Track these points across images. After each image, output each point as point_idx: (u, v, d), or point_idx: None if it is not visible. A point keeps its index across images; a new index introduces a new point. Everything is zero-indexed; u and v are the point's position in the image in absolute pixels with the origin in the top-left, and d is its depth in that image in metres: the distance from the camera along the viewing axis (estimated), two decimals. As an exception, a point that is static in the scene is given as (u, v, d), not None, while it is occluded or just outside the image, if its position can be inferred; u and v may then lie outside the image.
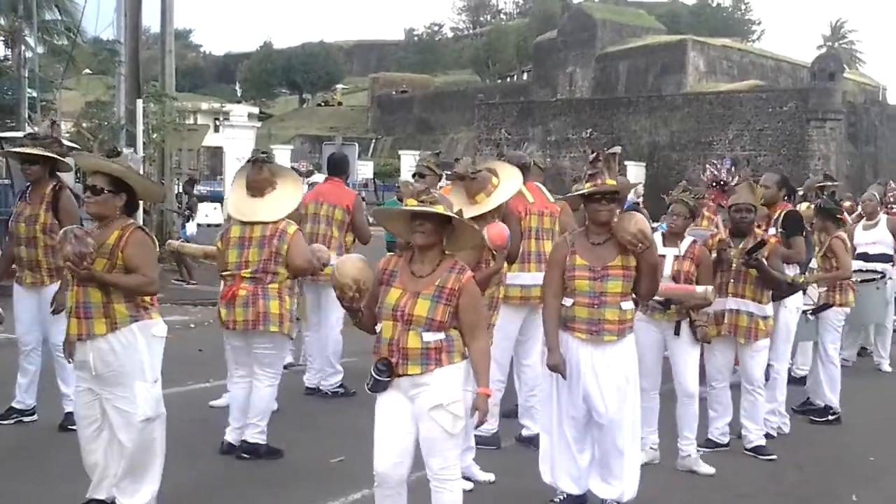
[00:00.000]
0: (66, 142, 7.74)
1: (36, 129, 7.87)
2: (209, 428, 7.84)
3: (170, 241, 12.06)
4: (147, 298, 5.76)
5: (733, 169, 10.87)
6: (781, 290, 8.00)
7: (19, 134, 18.04)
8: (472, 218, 6.54)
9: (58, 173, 7.76)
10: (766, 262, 7.59)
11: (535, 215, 7.96)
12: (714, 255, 7.65)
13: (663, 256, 7.18)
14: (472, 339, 5.15)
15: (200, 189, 42.97)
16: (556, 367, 6.17)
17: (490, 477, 6.84)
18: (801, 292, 8.67)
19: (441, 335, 5.06)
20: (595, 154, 6.30)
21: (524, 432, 7.85)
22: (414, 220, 5.12)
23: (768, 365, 8.14)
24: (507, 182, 6.86)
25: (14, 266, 7.80)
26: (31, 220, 7.59)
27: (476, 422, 5.08)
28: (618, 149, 6.48)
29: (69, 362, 5.94)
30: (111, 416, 5.65)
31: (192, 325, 14.11)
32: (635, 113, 55.57)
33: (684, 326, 7.30)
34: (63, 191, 7.61)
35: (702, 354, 7.70)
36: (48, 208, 7.53)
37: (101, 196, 5.62)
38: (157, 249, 5.93)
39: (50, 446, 7.36)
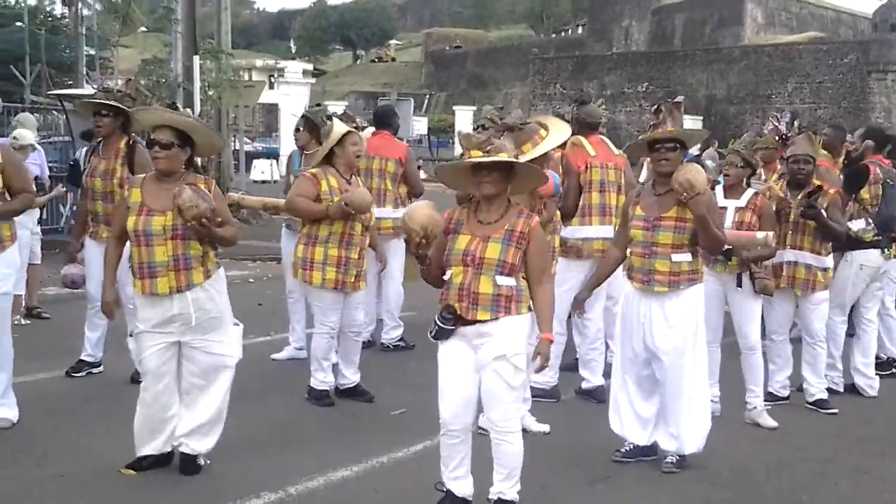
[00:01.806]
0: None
1: (109, 83, 7.91)
2: (272, 380, 7.93)
3: (230, 193, 12.17)
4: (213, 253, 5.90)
5: (795, 123, 10.70)
6: (841, 241, 7.88)
7: (81, 91, 18.24)
8: None
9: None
10: (824, 213, 7.49)
11: (598, 168, 7.94)
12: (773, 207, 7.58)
13: (724, 208, 7.13)
14: (539, 284, 5.16)
15: (256, 146, 43.27)
16: (577, 302, 6.56)
17: (545, 428, 6.86)
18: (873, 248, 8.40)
19: (513, 280, 5.07)
20: (657, 105, 6.28)
21: (584, 385, 7.86)
22: (479, 171, 5.12)
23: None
24: (555, 134, 6.84)
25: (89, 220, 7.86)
26: (107, 174, 7.65)
27: (537, 367, 5.08)
28: (681, 98, 6.43)
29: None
30: (203, 363, 5.82)
31: (251, 280, 14.25)
32: (692, 66, 54.90)
33: (745, 279, 7.25)
34: (136, 144, 7.66)
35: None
36: (123, 162, 7.58)
37: (171, 150, 5.69)
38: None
39: (117, 399, 7.48)
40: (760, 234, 7.02)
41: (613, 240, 6.48)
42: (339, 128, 7.23)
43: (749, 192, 7.29)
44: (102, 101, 7.63)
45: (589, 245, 7.69)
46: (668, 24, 64.27)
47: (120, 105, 7.56)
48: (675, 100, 6.32)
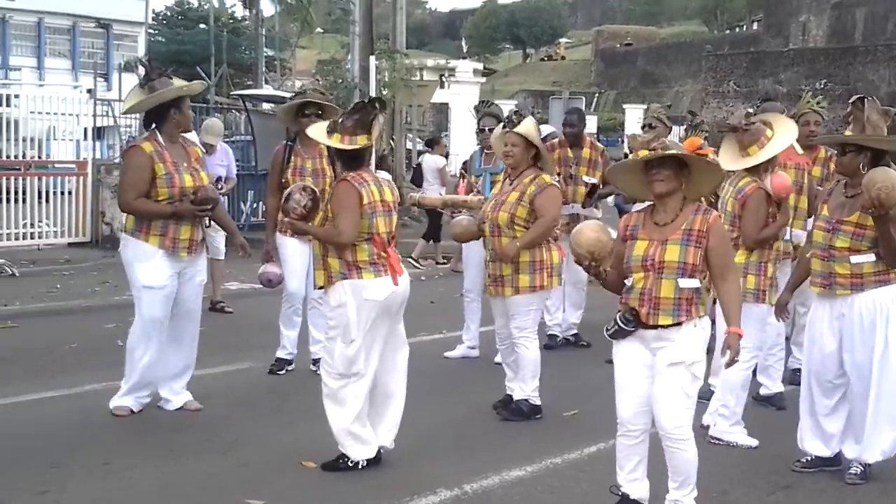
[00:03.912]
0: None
1: (302, 84, 8.11)
2: (443, 377, 8.02)
3: (410, 194, 12.34)
4: (364, 257, 5.86)
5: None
6: None
7: (263, 91, 18.80)
8: (747, 170, 6.63)
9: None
10: None
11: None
12: None
13: None
14: (723, 280, 5.08)
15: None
16: (779, 305, 6.28)
17: (754, 442, 6.67)
18: None
19: (696, 282, 4.99)
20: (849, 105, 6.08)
21: (762, 391, 7.68)
22: (650, 169, 5.07)
23: None
24: (782, 134, 6.69)
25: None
26: (317, 174, 7.86)
27: (727, 360, 4.99)
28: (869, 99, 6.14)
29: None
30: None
31: (423, 278, 14.43)
32: (873, 62, 52.87)
33: None
34: None
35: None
36: (330, 162, 7.59)
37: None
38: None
39: (298, 391, 7.71)
40: None
41: (807, 239, 6.28)
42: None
43: None
44: (313, 101, 7.85)
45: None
46: (847, 19, 62.10)
47: (331, 104, 7.78)
48: (856, 97, 6.08)
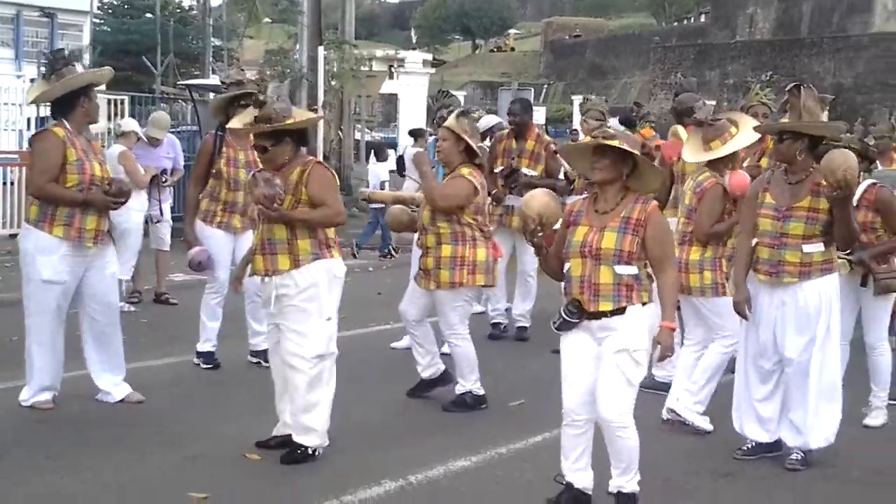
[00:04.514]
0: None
1: (239, 76, 7.98)
2: (391, 368, 8.02)
3: (361, 189, 12.31)
4: (331, 237, 5.97)
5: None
6: None
7: (209, 81, 18.65)
8: (707, 163, 6.76)
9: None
10: None
11: None
12: None
13: None
14: (660, 271, 5.12)
15: (375, 136, 43.59)
16: (739, 304, 6.18)
17: (708, 427, 6.77)
18: None
19: (633, 269, 5.03)
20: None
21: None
22: (593, 154, 5.12)
23: None
24: (745, 132, 6.77)
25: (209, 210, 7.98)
26: (250, 165, 7.75)
27: (658, 357, 5.04)
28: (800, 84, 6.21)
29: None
30: (286, 349, 5.89)
31: (371, 269, 14.41)
32: (818, 55, 53.45)
33: (869, 278, 7.05)
34: None
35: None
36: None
37: (268, 153, 5.89)
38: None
39: (239, 382, 7.67)
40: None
41: (743, 229, 6.31)
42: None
43: (861, 186, 6.92)
44: (249, 91, 7.72)
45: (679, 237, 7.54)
46: (794, 12, 62.68)
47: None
48: (792, 84, 6.17)
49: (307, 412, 5.90)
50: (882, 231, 6.91)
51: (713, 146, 6.76)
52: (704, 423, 6.77)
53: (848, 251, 6.69)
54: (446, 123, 7.10)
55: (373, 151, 19.95)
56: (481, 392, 7.22)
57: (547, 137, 9.85)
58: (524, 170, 9.36)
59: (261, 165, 7.27)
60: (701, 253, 6.77)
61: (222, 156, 7.86)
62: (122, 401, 6.95)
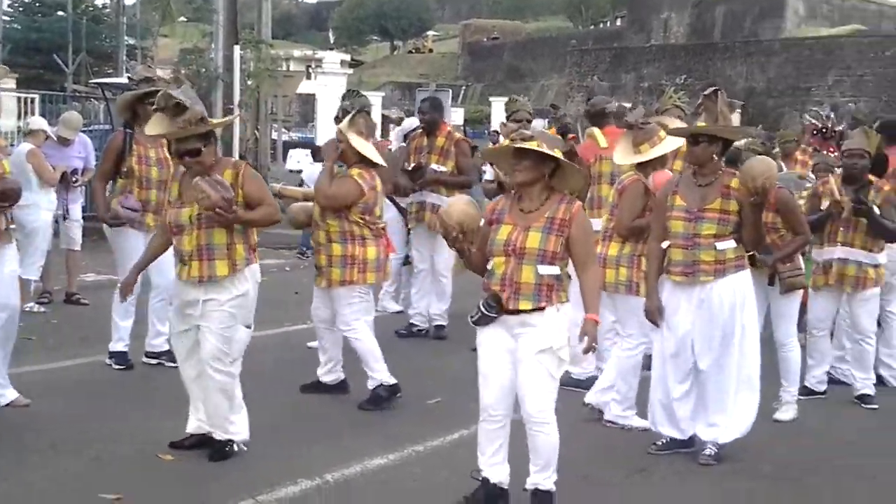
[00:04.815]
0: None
1: (149, 73, 7.85)
2: (307, 367, 7.95)
3: (272, 184, 12.20)
4: (255, 241, 5.96)
5: (832, 115, 10.66)
6: (893, 238, 7.79)
7: (122, 80, 18.33)
8: (636, 166, 6.86)
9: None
10: (876, 210, 7.39)
11: (609, 160, 8.00)
12: (825, 206, 7.50)
13: None
14: (584, 269, 5.15)
15: (292, 135, 43.37)
16: (650, 312, 6.26)
17: (646, 424, 6.75)
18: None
19: (556, 269, 5.05)
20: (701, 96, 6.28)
21: (597, 373, 7.77)
22: (513, 157, 5.13)
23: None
24: (674, 136, 6.85)
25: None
26: (163, 163, 7.67)
27: (585, 347, 5.05)
28: (716, 89, 6.33)
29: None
30: (205, 348, 5.83)
31: (288, 269, 14.30)
32: (731, 59, 54.38)
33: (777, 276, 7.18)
34: None
35: (804, 302, 7.61)
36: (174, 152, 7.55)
37: (202, 154, 5.77)
38: None
39: (150, 382, 7.55)
40: None
41: (653, 234, 6.38)
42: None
43: None
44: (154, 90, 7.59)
45: (597, 237, 7.58)
46: (707, 16, 63.71)
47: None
48: (709, 90, 6.27)
49: (233, 411, 5.93)
50: (784, 231, 7.03)
51: (642, 149, 6.86)
52: (641, 422, 6.84)
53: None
54: (339, 126, 7.19)
55: (310, 151, 19.84)
56: (392, 381, 7.23)
57: (457, 134, 9.85)
58: (434, 166, 9.39)
59: (171, 163, 7.22)
60: (619, 249, 6.86)
61: (133, 154, 7.74)
62: (8, 405, 6.74)
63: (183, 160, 5.81)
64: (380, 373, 7.19)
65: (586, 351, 5.12)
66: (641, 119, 6.94)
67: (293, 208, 7.65)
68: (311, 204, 7.37)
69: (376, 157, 7.21)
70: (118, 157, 7.75)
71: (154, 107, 5.86)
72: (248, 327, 5.98)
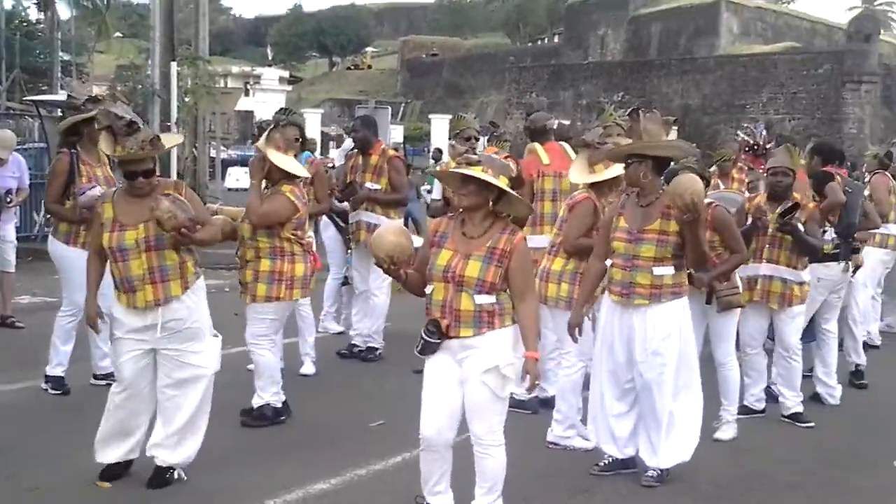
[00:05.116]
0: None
1: (86, 92, 7.75)
2: (248, 391, 7.86)
3: (209, 204, 12.09)
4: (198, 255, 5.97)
5: (765, 133, 10.82)
6: (817, 256, 7.89)
7: (57, 97, 18.10)
8: (590, 185, 6.91)
9: None
10: (802, 228, 7.49)
11: (551, 177, 8.05)
12: (750, 221, 7.60)
13: None
14: (522, 301, 5.12)
15: (231, 153, 43.05)
16: (573, 325, 6.32)
17: (590, 445, 6.78)
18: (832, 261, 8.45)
19: (493, 298, 5.03)
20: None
21: (540, 394, 7.81)
22: (459, 181, 5.12)
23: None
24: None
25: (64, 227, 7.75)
26: (110, 182, 7.56)
27: (528, 385, 5.05)
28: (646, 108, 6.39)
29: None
30: (177, 373, 5.79)
31: (227, 290, 14.15)
32: (667, 76, 55.03)
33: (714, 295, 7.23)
34: None
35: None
36: (114, 168, 7.46)
37: (151, 176, 5.74)
38: None
39: (86, 408, 7.40)
40: None
41: (595, 252, 6.42)
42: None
43: None
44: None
45: (539, 254, 7.54)
46: (644, 34, 64.42)
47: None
48: (632, 109, 6.34)
49: (192, 433, 5.89)
50: (721, 249, 7.09)
51: (597, 169, 6.92)
52: (584, 443, 6.87)
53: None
54: (257, 143, 7.21)
55: (249, 169, 19.69)
56: (279, 404, 7.25)
57: (391, 151, 9.75)
58: (368, 184, 9.33)
59: (115, 181, 7.13)
60: (563, 265, 6.91)
61: (82, 175, 7.64)
62: None
63: (136, 181, 5.73)
64: (270, 394, 7.22)
65: (529, 389, 5.12)
66: (598, 139, 6.97)
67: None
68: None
69: (298, 170, 7.23)
70: (68, 179, 7.64)
71: (100, 126, 5.81)
72: (215, 335, 5.99)
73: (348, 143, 11.59)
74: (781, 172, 7.58)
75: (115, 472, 5.90)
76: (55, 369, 7.83)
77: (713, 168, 10.28)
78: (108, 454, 5.90)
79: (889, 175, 10.74)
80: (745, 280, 7.59)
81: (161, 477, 5.84)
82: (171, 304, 5.73)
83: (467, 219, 5.18)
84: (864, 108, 48.44)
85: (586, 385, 6.92)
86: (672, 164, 6.69)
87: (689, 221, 5.94)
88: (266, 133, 7.16)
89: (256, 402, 7.20)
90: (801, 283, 7.67)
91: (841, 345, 9.09)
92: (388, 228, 5.40)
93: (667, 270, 6.10)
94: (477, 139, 9.27)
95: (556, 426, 6.96)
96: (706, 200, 7.12)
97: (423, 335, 5.07)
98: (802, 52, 53.79)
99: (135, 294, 5.70)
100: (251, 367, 8.72)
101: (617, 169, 6.85)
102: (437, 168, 10.17)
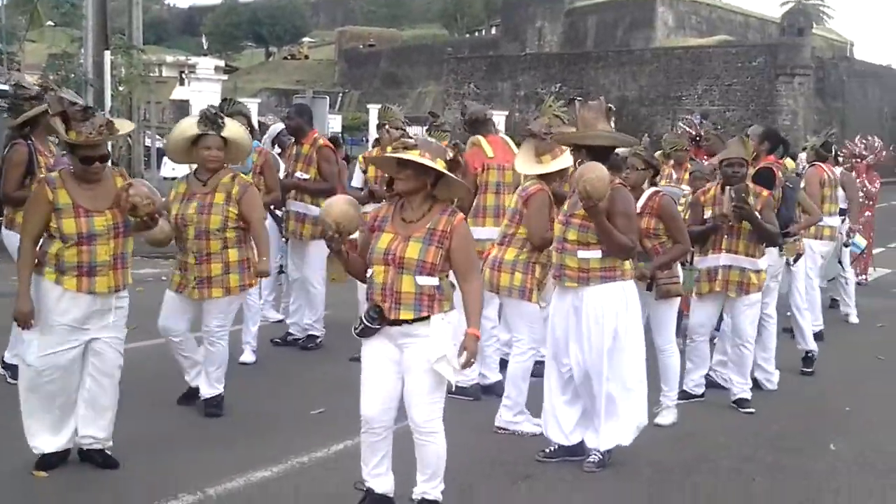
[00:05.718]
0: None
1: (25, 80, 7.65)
2: (178, 381, 7.78)
3: (164, 200, 11.93)
4: None
5: (702, 122, 10.92)
6: (774, 242, 7.99)
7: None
8: (538, 176, 6.90)
9: None
10: (758, 215, 7.55)
11: (495, 170, 8.03)
12: (711, 221, 7.64)
13: None
14: (465, 281, 5.12)
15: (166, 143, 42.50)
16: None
17: (538, 429, 6.76)
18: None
19: (435, 280, 5.02)
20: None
21: (481, 381, 7.82)
22: (396, 166, 5.10)
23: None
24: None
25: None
26: None
27: (463, 362, 5.01)
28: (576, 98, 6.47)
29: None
30: (110, 360, 5.83)
31: (164, 279, 13.97)
32: (604, 68, 55.48)
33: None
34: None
35: (682, 309, 7.74)
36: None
37: (105, 163, 5.74)
38: None
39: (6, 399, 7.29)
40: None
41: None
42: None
43: (646, 194, 7.19)
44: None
45: (481, 245, 7.36)
46: (580, 26, 64.81)
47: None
48: (571, 98, 6.38)
49: (110, 413, 5.91)
50: (665, 238, 7.14)
51: (544, 160, 6.93)
52: (532, 427, 6.88)
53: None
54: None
55: None
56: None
57: (322, 140, 9.61)
58: (298, 174, 9.25)
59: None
60: (516, 254, 6.92)
61: (41, 165, 7.51)
62: None
63: (92, 166, 5.65)
64: (223, 385, 7.16)
65: (465, 366, 5.08)
66: (544, 130, 6.96)
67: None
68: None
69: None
70: (26, 169, 7.51)
71: (53, 112, 5.72)
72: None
73: (273, 128, 11.45)
74: (737, 163, 7.63)
75: (51, 461, 5.80)
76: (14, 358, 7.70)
77: (660, 154, 10.28)
78: (44, 442, 5.80)
79: (825, 167, 10.88)
80: (705, 272, 7.66)
81: (109, 458, 5.86)
82: (122, 292, 5.83)
83: (406, 203, 5.15)
84: (798, 99, 49.24)
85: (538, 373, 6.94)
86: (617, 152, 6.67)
87: (587, 209, 5.94)
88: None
89: (211, 392, 7.08)
90: (759, 272, 7.74)
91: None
92: (341, 197, 5.35)
93: (592, 254, 6.13)
94: (404, 131, 9.19)
95: (505, 411, 6.97)
96: (652, 189, 7.19)
97: (364, 319, 5.04)
98: (737, 45, 54.52)
99: (95, 279, 5.66)
100: (245, 360, 8.60)
101: (565, 160, 6.86)
102: (368, 153, 10.07)
